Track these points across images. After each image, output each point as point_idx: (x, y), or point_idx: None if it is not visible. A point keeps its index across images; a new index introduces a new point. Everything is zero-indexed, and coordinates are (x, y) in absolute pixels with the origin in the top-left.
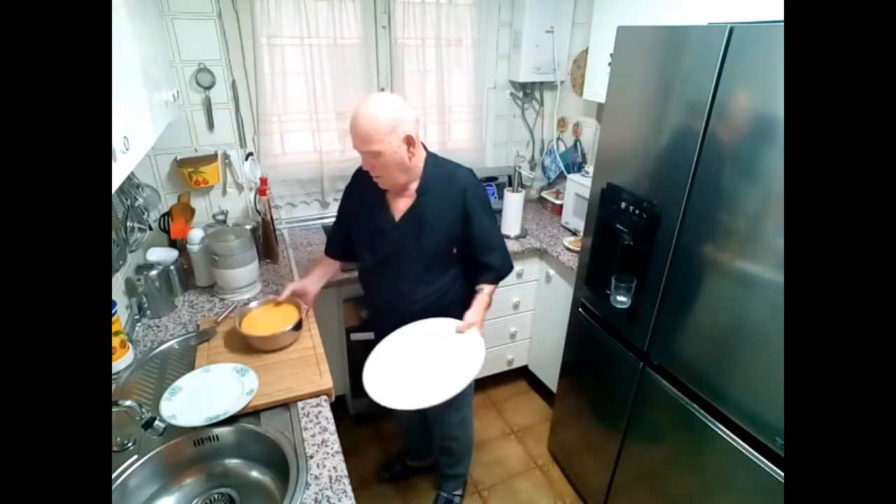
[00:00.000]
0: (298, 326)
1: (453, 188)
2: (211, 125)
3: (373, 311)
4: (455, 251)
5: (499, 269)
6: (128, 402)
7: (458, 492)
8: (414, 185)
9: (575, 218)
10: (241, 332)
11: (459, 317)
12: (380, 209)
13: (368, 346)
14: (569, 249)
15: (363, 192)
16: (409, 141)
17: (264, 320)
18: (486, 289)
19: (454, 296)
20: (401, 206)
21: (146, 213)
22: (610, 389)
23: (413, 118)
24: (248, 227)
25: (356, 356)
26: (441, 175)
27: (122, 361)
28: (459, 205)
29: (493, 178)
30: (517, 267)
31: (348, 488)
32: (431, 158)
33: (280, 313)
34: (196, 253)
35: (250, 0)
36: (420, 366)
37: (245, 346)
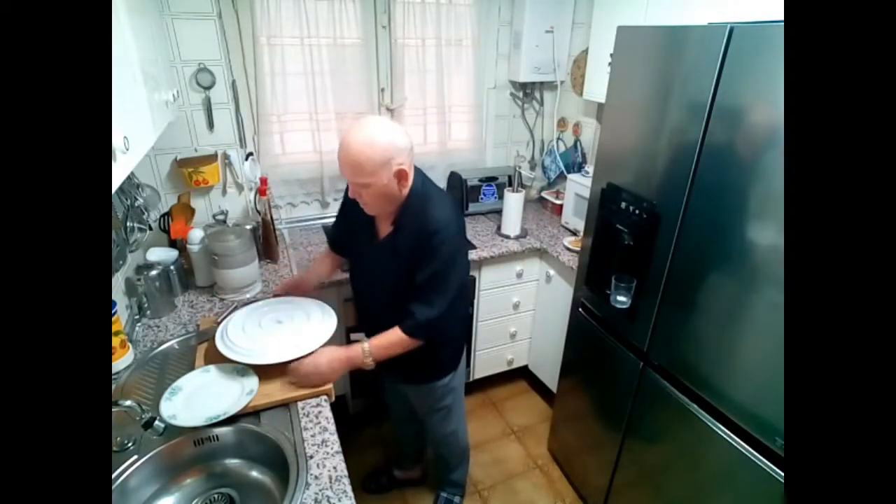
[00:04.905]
0: None
1: (422, 225)
2: (211, 125)
3: (357, 312)
4: None
5: (408, 322)
6: (128, 402)
7: (459, 493)
8: (395, 214)
9: (575, 218)
10: None
11: (415, 363)
12: (369, 224)
13: None
14: (569, 249)
15: None
16: (402, 175)
17: None
18: (366, 343)
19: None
20: (383, 230)
21: (146, 213)
22: (610, 389)
23: (408, 148)
24: (248, 227)
25: None
26: (417, 208)
27: (122, 361)
28: (423, 244)
29: (493, 178)
30: (517, 267)
31: (348, 488)
32: (419, 183)
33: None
34: (196, 253)
35: (250, 0)
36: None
37: None
